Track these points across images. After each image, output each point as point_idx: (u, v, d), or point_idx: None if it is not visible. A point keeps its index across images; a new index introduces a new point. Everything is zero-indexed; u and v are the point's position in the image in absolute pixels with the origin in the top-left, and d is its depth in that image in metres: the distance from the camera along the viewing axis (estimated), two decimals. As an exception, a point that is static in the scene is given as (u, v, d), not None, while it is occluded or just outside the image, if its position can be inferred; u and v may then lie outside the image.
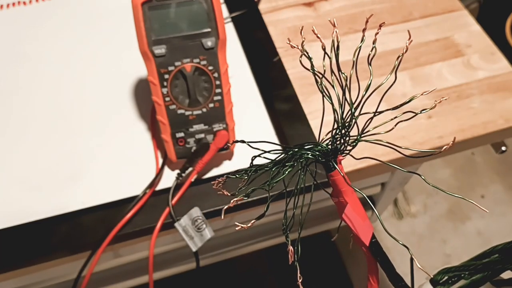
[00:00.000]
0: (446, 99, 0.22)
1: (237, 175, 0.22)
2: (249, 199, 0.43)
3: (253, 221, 0.21)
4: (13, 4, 0.59)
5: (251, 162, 0.22)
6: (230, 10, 0.58)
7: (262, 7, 0.60)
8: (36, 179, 0.45)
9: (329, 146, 0.23)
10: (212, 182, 0.23)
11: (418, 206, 1.23)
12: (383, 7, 0.61)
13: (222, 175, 0.45)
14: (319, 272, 1.05)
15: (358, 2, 0.61)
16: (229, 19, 0.58)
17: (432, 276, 0.23)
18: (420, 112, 0.22)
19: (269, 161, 0.23)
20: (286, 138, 0.46)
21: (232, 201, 0.21)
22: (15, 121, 0.49)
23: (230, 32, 0.56)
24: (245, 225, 0.21)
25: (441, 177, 1.28)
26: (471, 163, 1.31)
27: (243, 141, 0.23)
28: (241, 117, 0.47)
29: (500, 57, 0.56)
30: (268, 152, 0.22)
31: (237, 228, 0.21)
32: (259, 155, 0.22)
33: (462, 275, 0.22)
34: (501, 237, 1.18)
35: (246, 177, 0.22)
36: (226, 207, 0.22)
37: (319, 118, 0.49)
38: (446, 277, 0.23)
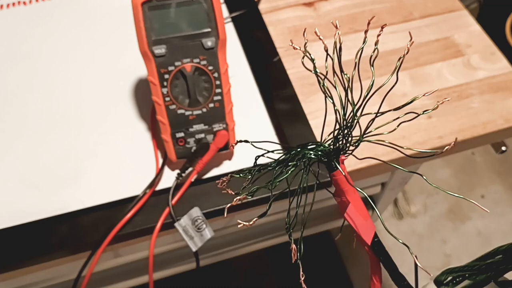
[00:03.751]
0: (448, 100, 0.22)
1: (241, 174, 0.22)
2: (252, 199, 0.43)
3: (255, 219, 0.22)
4: (13, 4, 0.59)
5: (255, 162, 0.22)
6: (230, 10, 0.58)
7: (262, 7, 0.60)
8: (36, 179, 0.45)
9: (332, 146, 0.23)
10: (216, 181, 0.23)
11: (418, 206, 1.23)
12: (383, 7, 0.61)
13: (224, 175, 0.45)
14: (319, 272, 1.05)
15: (358, 2, 0.61)
16: (229, 19, 0.58)
17: (432, 275, 0.23)
18: (423, 113, 0.22)
19: (272, 160, 0.23)
20: (286, 138, 0.46)
21: (235, 199, 0.21)
22: (15, 120, 0.49)
23: (230, 32, 0.56)
24: (247, 223, 0.21)
25: (441, 177, 1.29)
26: (471, 163, 1.31)
27: (247, 141, 0.23)
28: (241, 117, 0.47)
29: (500, 57, 0.56)
30: (272, 152, 0.23)
31: (239, 226, 0.21)
32: (262, 155, 0.22)
33: (466, 275, 0.23)
34: (501, 237, 1.18)
35: (249, 176, 0.22)
36: (229, 205, 0.22)
37: (319, 118, 0.50)
38: (450, 277, 0.23)
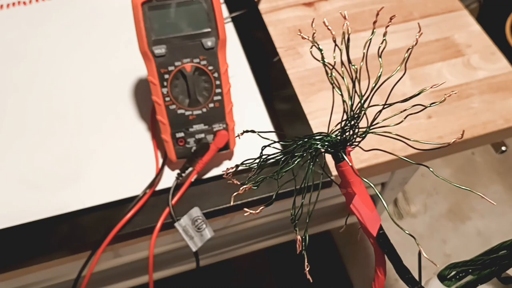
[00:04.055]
0: (456, 93, 0.22)
1: (247, 165, 0.23)
2: (252, 199, 0.43)
3: (261, 208, 0.22)
4: (13, 4, 0.59)
5: (261, 152, 0.23)
6: (230, 10, 0.58)
7: (262, 7, 0.60)
8: (36, 179, 0.45)
9: (339, 137, 0.23)
10: (222, 171, 0.23)
11: (418, 206, 1.23)
12: (383, 7, 0.60)
13: (221, 175, 0.45)
14: (319, 272, 1.05)
15: (358, 2, 0.61)
16: (229, 19, 0.58)
17: (437, 266, 0.23)
18: (430, 105, 0.22)
19: (277, 152, 0.23)
20: (286, 138, 0.46)
21: (241, 188, 0.21)
22: (15, 120, 0.49)
23: (230, 32, 0.56)
24: (254, 211, 0.21)
25: (440, 176, 1.28)
26: (471, 163, 1.31)
27: (253, 131, 0.23)
28: (241, 117, 0.47)
29: (500, 57, 0.56)
30: (278, 142, 0.23)
31: (245, 214, 0.21)
32: (269, 145, 0.23)
33: (470, 270, 0.23)
34: (501, 237, 1.18)
35: (255, 167, 0.22)
36: (235, 194, 0.22)
37: (319, 118, 0.50)
38: (453, 272, 0.23)
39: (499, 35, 1.25)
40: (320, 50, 0.23)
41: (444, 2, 0.62)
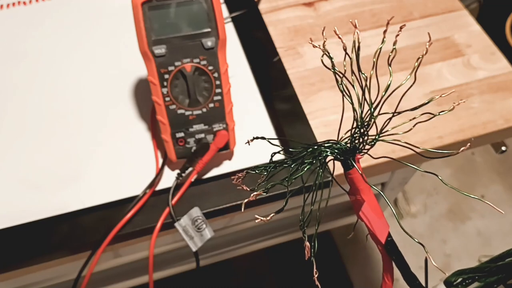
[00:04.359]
0: (464, 102, 0.23)
1: (257, 171, 0.23)
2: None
3: (272, 215, 0.22)
4: (13, 4, 0.59)
5: (271, 159, 0.23)
6: (230, 10, 0.58)
7: (262, 7, 0.60)
8: (36, 179, 0.45)
9: (348, 145, 0.23)
10: (232, 177, 0.23)
11: (418, 206, 1.23)
12: (383, 7, 0.60)
13: (224, 174, 0.45)
14: (319, 272, 1.05)
15: (358, 2, 0.61)
16: (229, 19, 0.58)
17: (446, 274, 0.23)
18: (439, 114, 0.22)
19: (288, 157, 0.23)
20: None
21: (252, 195, 0.22)
22: (15, 120, 0.49)
23: (230, 32, 0.56)
24: (265, 218, 0.22)
25: (441, 177, 1.28)
26: (471, 163, 1.31)
27: (263, 138, 0.23)
28: (241, 117, 0.47)
29: (500, 57, 0.56)
30: (287, 149, 0.23)
31: (256, 221, 0.22)
32: (278, 152, 0.23)
33: (476, 277, 0.23)
34: (501, 237, 1.18)
35: (265, 173, 0.23)
36: (246, 200, 0.22)
37: (319, 118, 0.50)
38: (460, 279, 0.23)
39: (499, 35, 1.25)
40: (331, 58, 0.23)
41: (444, 2, 0.61)
